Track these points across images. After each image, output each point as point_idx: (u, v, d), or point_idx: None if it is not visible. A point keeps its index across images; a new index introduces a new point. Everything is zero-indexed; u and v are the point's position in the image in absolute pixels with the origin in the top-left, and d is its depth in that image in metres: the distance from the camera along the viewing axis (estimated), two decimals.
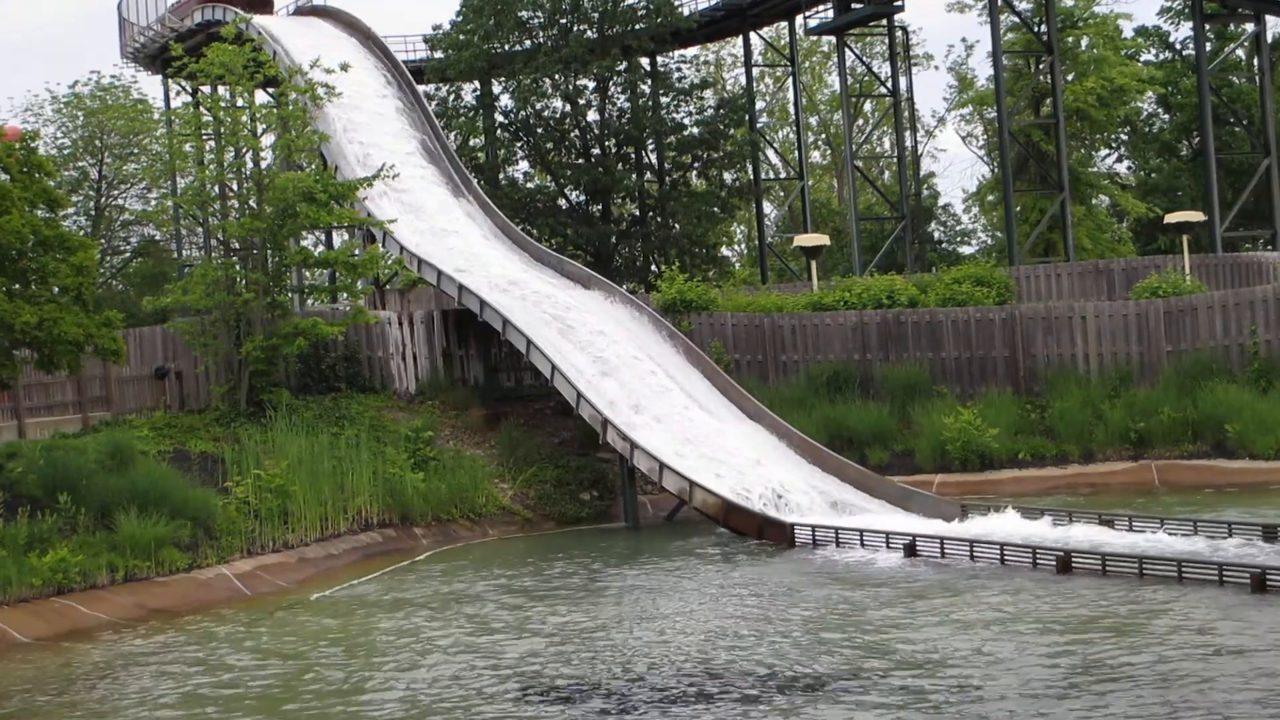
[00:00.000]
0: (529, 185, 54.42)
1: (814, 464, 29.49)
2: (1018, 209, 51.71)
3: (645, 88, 53.30)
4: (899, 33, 56.62)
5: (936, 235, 66.59)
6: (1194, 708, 12.96)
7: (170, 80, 51.43)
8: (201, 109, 37.59)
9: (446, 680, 16.09)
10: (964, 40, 67.00)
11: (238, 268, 32.43)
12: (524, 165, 55.52)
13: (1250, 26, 50.61)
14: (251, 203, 33.06)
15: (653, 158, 54.07)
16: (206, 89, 39.46)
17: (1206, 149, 48.30)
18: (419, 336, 35.05)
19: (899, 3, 51.92)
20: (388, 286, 38.89)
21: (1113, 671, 14.56)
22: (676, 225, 52.67)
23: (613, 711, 14.20)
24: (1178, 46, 60.37)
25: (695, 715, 13.86)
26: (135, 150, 54.02)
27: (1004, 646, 16.05)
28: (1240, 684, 13.69)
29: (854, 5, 51.58)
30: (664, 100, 53.44)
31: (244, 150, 34.68)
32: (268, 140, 35.35)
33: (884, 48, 59.38)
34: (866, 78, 62.29)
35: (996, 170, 58.23)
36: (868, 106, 69.26)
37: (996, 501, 27.10)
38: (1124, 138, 63.51)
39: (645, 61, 53.64)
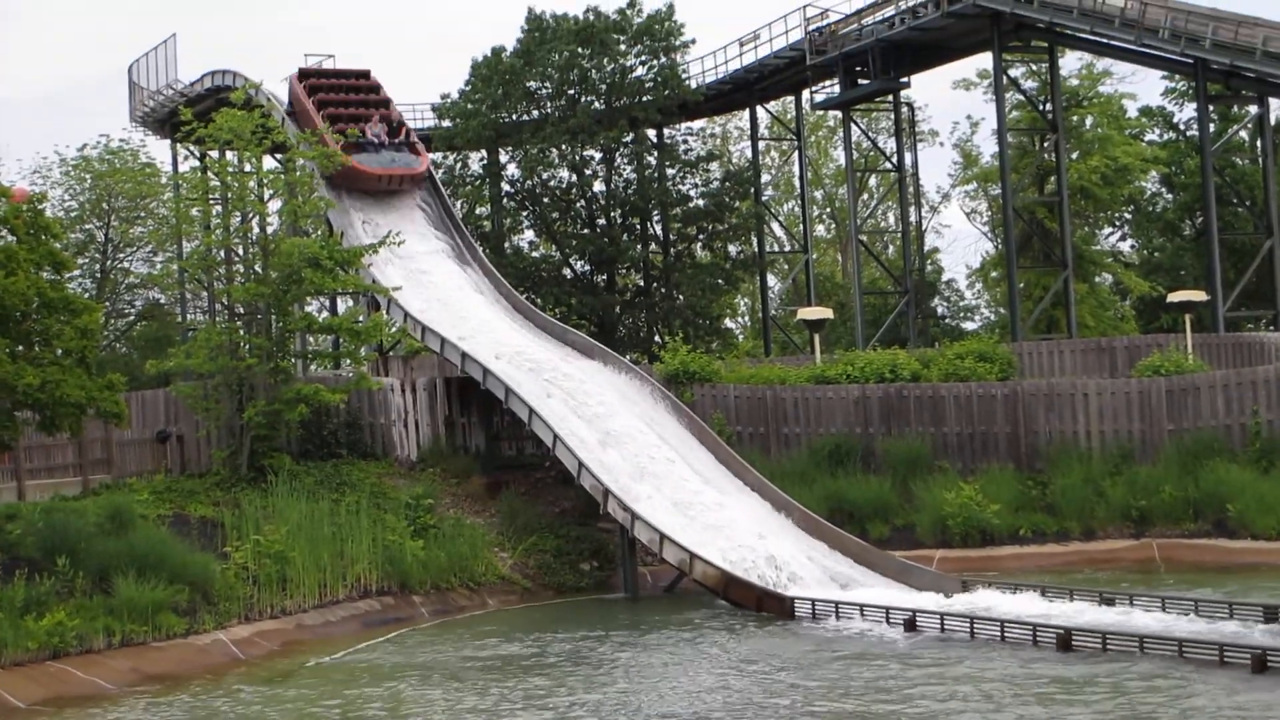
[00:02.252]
0: (534, 254, 54.66)
1: (815, 537, 29.42)
2: (1021, 285, 51.83)
3: (651, 159, 53.60)
4: (904, 109, 57.03)
5: (940, 310, 66.73)
6: None
7: (178, 144, 51.67)
8: (209, 174, 37.80)
9: None
10: (969, 117, 67.20)
11: (241, 332, 32.49)
12: (529, 234, 55.80)
13: (1253, 109, 50.86)
14: (257, 268, 33.16)
15: (658, 228, 54.32)
16: (214, 154, 39.67)
17: (1209, 229, 48.44)
18: (421, 404, 35.06)
19: (905, 80, 52.30)
20: (391, 353, 38.95)
21: None
22: (680, 296, 52.82)
23: None
24: (1181, 127, 60.66)
25: None
26: (142, 214, 54.36)
27: None
28: None
29: (860, 81, 51.96)
30: (670, 172, 53.73)
31: (250, 215, 34.84)
32: (274, 206, 35.52)
33: (889, 123, 59.68)
34: (872, 153, 62.61)
35: (1000, 246, 58.39)
36: (873, 181, 69.58)
37: (997, 578, 27.00)
38: (1128, 216, 63.74)
39: (652, 133, 53.97)
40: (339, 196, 39.03)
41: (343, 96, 43.48)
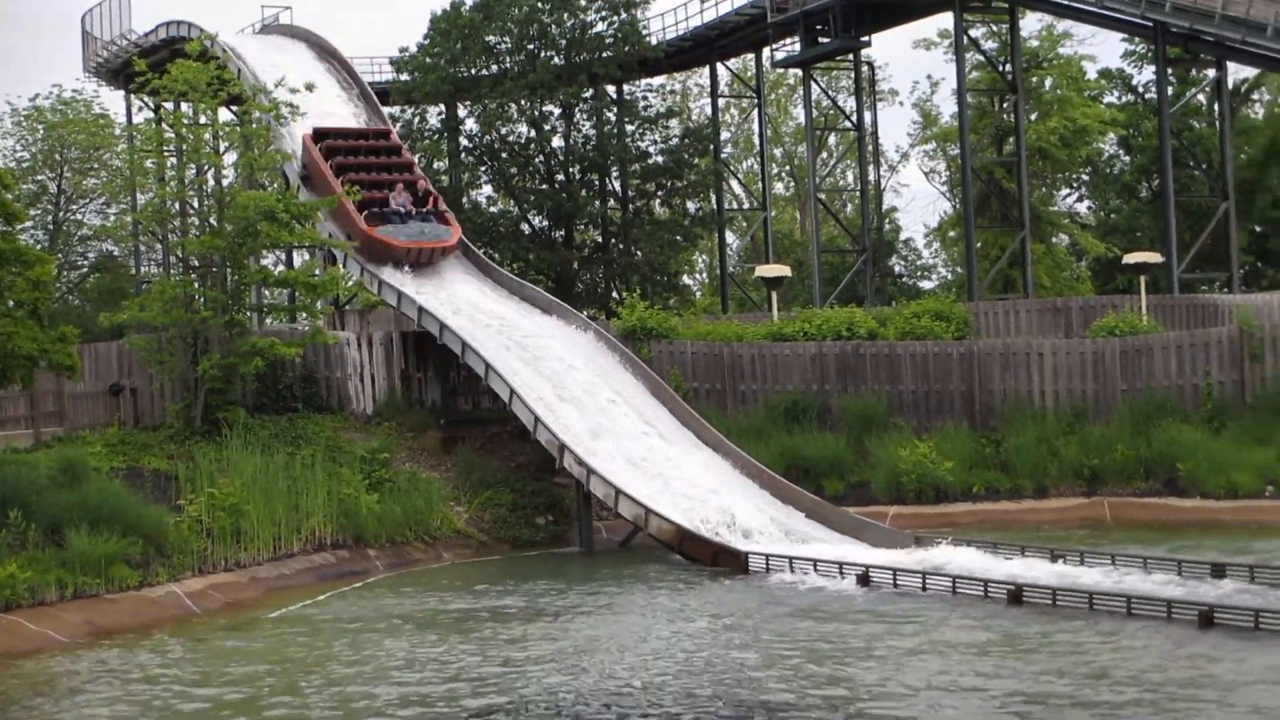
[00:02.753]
0: (492, 209, 54.50)
1: (770, 493, 29.53)
2: (978, 245, 52.00)
3: (611, 115, 53.46)
4: (865, 68, 57.03)
5: (897, 269, 66.92)
6: None
7: (133, 96, 51.27)
8: (163, 125, 37.50)
9: (397, 702, 16.02)
10: (929, 77, 67.39)
11: (196, 285, 32.31)
12: (487, 189, 55.63)
13: (1211, 72, 51.08)
14: (212, 220, 32.95)
15: (616, 185, 54.24)
16: (169, 105, 39.33)
17: (1166, 191, 48.65)
18: (377, 358, 34.97)
19: (865, 39, 52.27)
20: (347, 307, 38.82)
21: (1058, 703, 14.61)
22: (639, 253, 52.77)
23: None
24: (1140, 90, 60.88)
25: None
26: (95, 165, 53.94)
27: (952, 676, 16.08)
28: (1181, 712, 13.77)
29: (821, 40, 51.90)
30: (629, 128, 53.61)
31: (205, 168, 34.59)
32: (230, 158, 35.28)
33: (849, 82, 59.74)
34: (831, 111, 62.59)
35: (958, 206, 58.61)
36: (832, 140, 69.60)
37: (951, 535, 27.17)
38: (1085, 178, 64.01)
39: (611, 89, 53.79)
40: (362, 263, 36.04)
41: (362, 160, 38.74)
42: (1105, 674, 15.96)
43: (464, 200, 52.14)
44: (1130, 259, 40.54)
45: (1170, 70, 50.32)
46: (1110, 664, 16.47)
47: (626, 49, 51.63)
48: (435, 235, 36.53)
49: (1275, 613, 18.03)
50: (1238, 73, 56.13)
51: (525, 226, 52.92)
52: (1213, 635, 17.83)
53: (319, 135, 38.99)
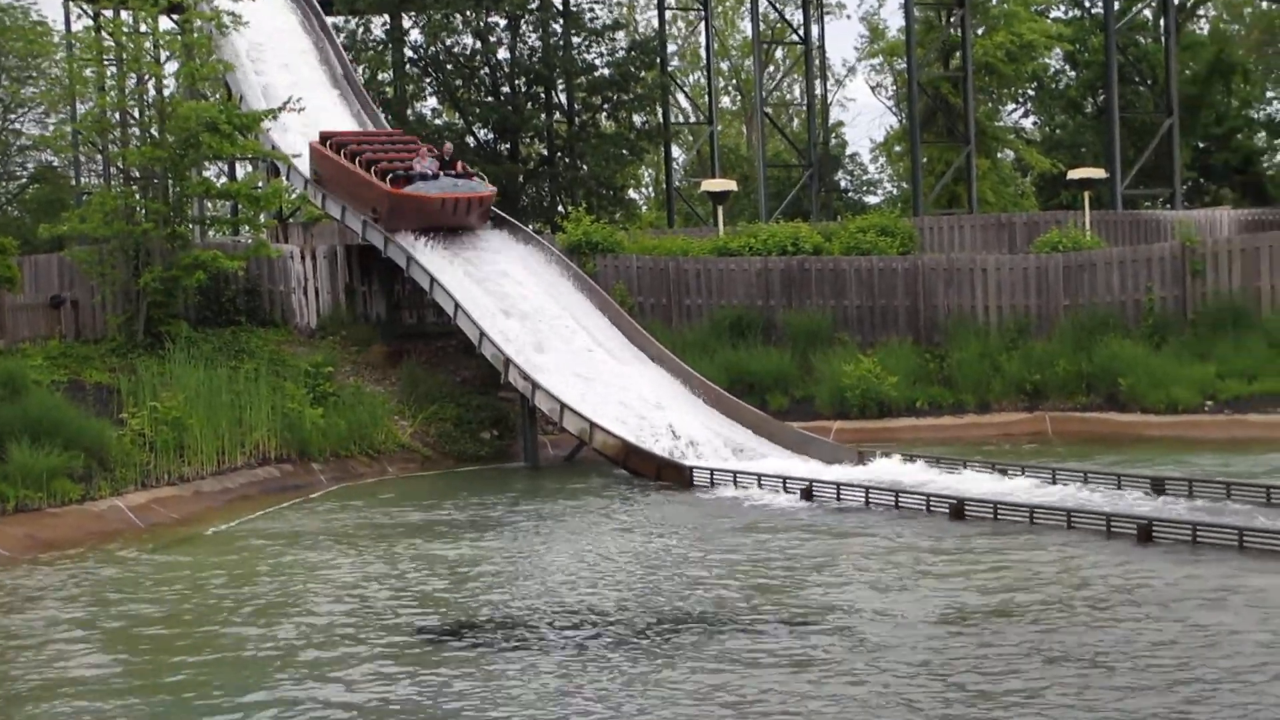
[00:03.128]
0: (437, 122, 53.99)
1: (714, 408, 29.62)
2: (924, 160, 52.04)
3: (557, 27, 52.97)
4: None
5: (843, 184, 66.94)
6: (1070, 645, 13.20)
7: (71, 3, 50.44)
8: (103, 33, 36.92)
9: (341, 614, 16.05)
10: None
11: (137, 197, 31.97)
12: (432, 101, 55.12)
13: None
14: (153, 131, 32.57)
15: (562, 98, 53.84)
16: (108, 13, 38.72)
17: (1111, 107, 48.74)
18: (321, 271, 34.78)
19: None
20: (291, 220, 38.52)
21: (993, 615, 14.78)
22: (584, 166, 52.52)
23: (501, 646, 14.24)
24: (1086, 4, 60.86)
25: (574, 652, 13.92)
26: (33, 74, 53.07)
27: (892, 590, 16.23)
28: (1115, 625, 13.95)
29: None
30: (575, 40, 53.15)
31: (146, 77, 34.10)
32: (171, 68, 34.82)
33: None
34: (779, 24, 62.27)
35: (904, 121, 58.54)
36: (779, 53, 69.33)
37: (894, 449, 27.35)
38: (1031, 93, 64.07)
39: (558, 1, 53.30)
40: (395, 232, 33.13)
41: (378, 149, 35.22)
42: (1043, 587, 16.14)
43: (408, 113, 51.69)
44: (1074, 175, 40.67)
45: None
46: (1048, 578, 16.65)
47: None
48: (470, 188, 33.50)
49: (1212, 527, 18.27)
50: None
51: (470, 139, 52.51)
52: (1151, 550, 18.06)
53: (325, 137, 35.81)
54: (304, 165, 35.89)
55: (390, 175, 33.25)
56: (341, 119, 39.66)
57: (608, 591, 16.78)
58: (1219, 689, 11.85)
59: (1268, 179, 62.89)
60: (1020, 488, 23.10)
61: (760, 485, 24.47)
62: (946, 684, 12.38)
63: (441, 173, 33.80)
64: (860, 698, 12.11)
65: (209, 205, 38.39)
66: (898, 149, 62.67)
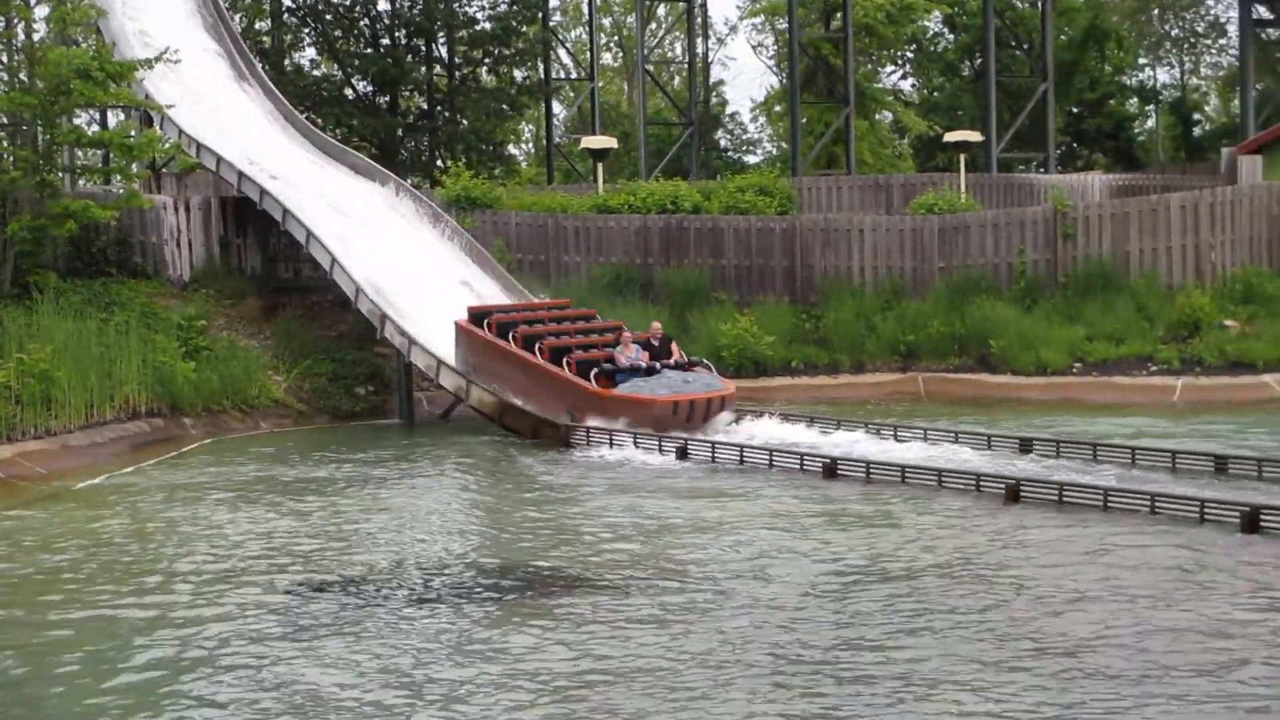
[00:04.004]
0: (315, 73, 53.36)
1: None
2: (803, 121, 52.27)
3: None
4: None
5: (723, 143, 67.10)
6: (940, 606, 13.41)
7: None
8: None
9: (209, 569, 15.91)
10: None
11: (5, 144, 31.29)
12: (311, 52, 54.42)
13: None
14: (21, 77, 31.85)
15: (443, 51, 53.41)
16: None
17: (988, 71, 49.27)
18: (195, 223, 34.27)
19: None
20: (164, 170, 37.90)
21: (863, 575, 14.97)
22: (464, 121, 52.17)
23: (367, 603, 14.21)
24: None
25: (437, 611, 13.93)
26: None
27: (763, 548, 16.38)
28: (978, 583, 14.19)
29: None
30: None
31: (14, 21, 33.34)
32: (41, 12, 34.04)
33: None
34: None
35: (784, 81, 58.76)
36: (661, 10, 69.23)
37: (770, 408, 27.54)
38: (910, 55, 64.53)
39: None
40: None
41: (564, 336, 27.88)
42: (912, 545, 16.38)
43: (286, 63, 51.02)
44: (951, 137, 41.09)
45: None
46: (919, 536, 16.89)
47: None
48: (705, 384, 26.38)
49: (1079, 487, 18.62)
50: None
51: (349, 91, 51.97)
52: (1018, 509, 18.37)
53: (480, 315, 28.43)
54: (197, 115, 34.95)
55: (595, 370, 26.67)
56: (217, 70, 39.09)
57: (478, 551, 16.78)
58: (1079, 651, 12.12)
59: (1138, 145, 63.98)
60: (892, 447, 23.39)
61: (636, 445, 24.53)
62: (803, 644, 12.54)
63: (657, 363, 27.12)
64: (710, 656, 12.23)
65: (80, 154, 37.63)
66: (778, 109, 62.92)
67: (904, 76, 66.59)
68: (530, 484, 21.78)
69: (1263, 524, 16.35)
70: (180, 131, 34.89)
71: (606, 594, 14.49)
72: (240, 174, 33.01)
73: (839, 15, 52.84)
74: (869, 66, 61.24)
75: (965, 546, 16.26)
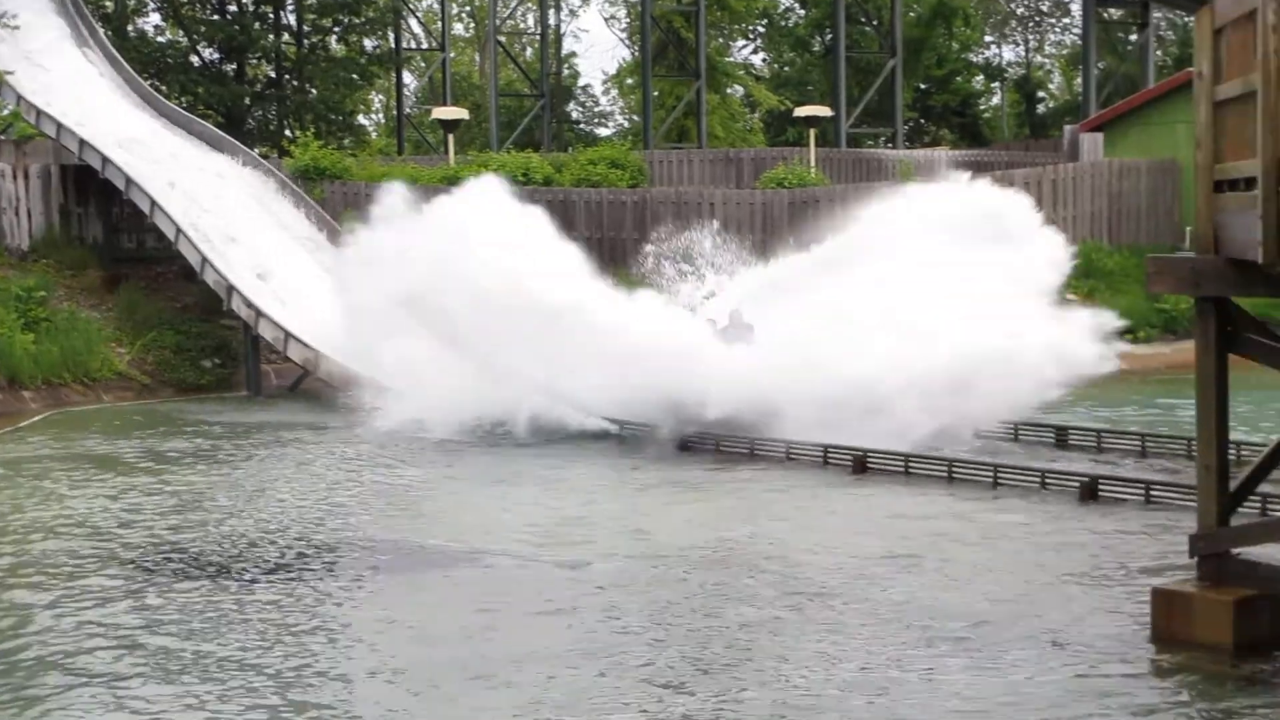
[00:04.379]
0: (159, 39, 52.31)
1: None
2: (655, 94, 52.32)
3: None
4: None
5: (575, 115, 66.93)
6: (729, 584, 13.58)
7: None
8: None
9: (44, 554, 15.60)
10: None
11: None
12: (155, 18, 53.31)
13: None
14: None
15: (291, 18, 52.63)
16: None
17: (837, 46, 49.69)
18: (34, 191, 33.49)
19: None
20: (2, 138, 36.92)
21: (700, 550, 15.09)
22: (313, 90, 51.47)
23: (204, 576, 14.05)
24: None
25: (273, 581, 13.81)
26: None
27: (555, 525, 16.46)
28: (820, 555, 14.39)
29: None
30: None
31: None
32: None
33: None
34: None
35: (636, 54, 58.74)
36: None
37: None
38: (761, 29, 64.82)
39: None
40: None
41: None
42: (751, 519, 16.57)
43: (129, 28, 49.96)
44: (801, 112, 41.37)
45: None
46: (751, 512, 17.11)
47: None
48: None
49: (923, 459, 18.92)
50: None
51: (195, 59, 51.01)
52: (866, 479, 18.65)
53: None
54: (36, 81, 34.14)
55: None
56: (58, 35, 38.18)
57: (317, 525, 16.62)
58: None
59: (984, 122, 64.90)
60: None
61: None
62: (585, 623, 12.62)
63: None
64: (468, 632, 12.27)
65: None
66: (629, 82, 62.84)
67: (755, 51, 66.91)
68: (374, 454, 21.59)
69: (1100, 493, 16.81)
70: (19, 98, 34.08)
71: (398, 570, 14.46)
72: (82, 141, 32.32)
73: None
74: (720, 40, 61.37)
75: (794, 520, 16.48)
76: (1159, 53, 53.94)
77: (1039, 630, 11.70)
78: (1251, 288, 10.52)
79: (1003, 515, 16.19)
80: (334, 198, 34.48)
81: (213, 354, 30.47)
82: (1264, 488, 13.31)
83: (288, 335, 27.84)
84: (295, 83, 51.59)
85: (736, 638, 11.79)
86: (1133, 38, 54.62)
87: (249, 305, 28.42)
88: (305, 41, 52.45)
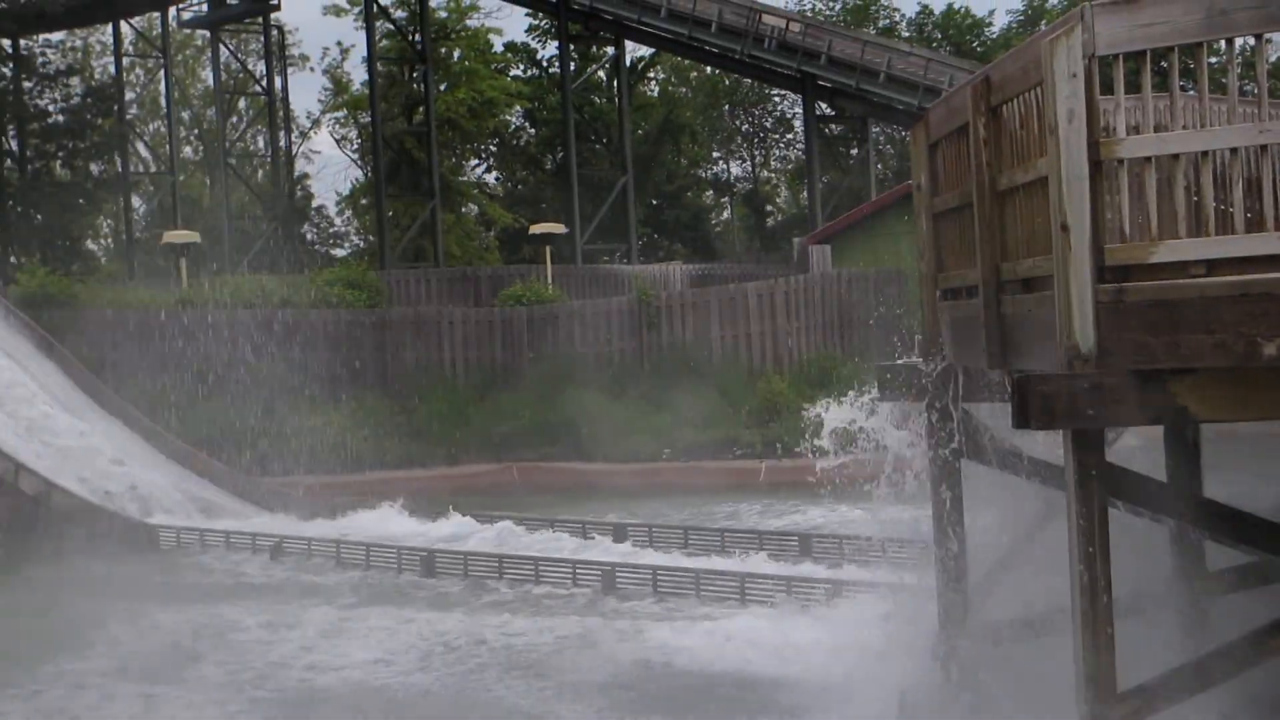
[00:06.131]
0: None
1: (183, 465, 28.98)
2: (390, 214, 52.41)
3: (6, 70, 50.74)
4: (275, 31, 56.30)
5: (310, 236, 66.54)
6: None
7: None
8: None
9: None
10: (340, 44, 67.16)
11: None
12: None
13: (611, 50, 53.33)
14: None
15: (14, 144, 51.55)
16: None
17: (569, 164, 50.52)
18: None
19: (274, 1, 51.65)
20: None
21: (420, 679, 15.11)
22: (39, 216, 50.39)
23: None
24: (544, 64, 62.80)
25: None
26: None
27: (335, 647, 16.33)
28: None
29: (229, 1, 50.93)
30: (27, 85, 51.02)
31: None
32: None
33: (259, 45, 58.85)
34: (241, 75, 61.52)
35: (370, 174, 58.80)
36: (242, 104, 68.35)
37: (365, 503, 27.37)
38: (493, 149, 65.46)
39: (7, 43, 51.04)
40: None
41: None
42: (505, 642, 16.64)
43: None
44: (536, 229, 41.95)
45: (572, 46, 52.34)
46: (506, 624, 17.19)
47: (23, 1, 49.09)
48: None
49: (672, 571, 19.19)
50: (635, 50, 58.74)
51: None
52: (614, 595, 18.85)
53: None
54: None
55: None
56: None
57: (44, 659, 16.17)
58: None
59: (716, 235, 66.43)
60: (490, 537, 23.55)
61: (229, 544, 24.04)
62: None
63: None
64: None
65: None
66: (364, 202, 62.80)
67: (488, 169, 67.48)
68: (114, 589, 21.01)
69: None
70: None
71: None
72: None
73: (421, 109, 53.29)
74: (453, 160, 61.79)
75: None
76: (879, 165, 55.96)
77: None
78: (976, 394, 10.91)
79: None
80: (62, 325, 33.64)
81: None
82: None
83: (18, 467, 26.95)
84: (19, 209, 50.44)
85: None
86: (854, 151, 56.65)
87: None
88: (29, 167, 51.38)
